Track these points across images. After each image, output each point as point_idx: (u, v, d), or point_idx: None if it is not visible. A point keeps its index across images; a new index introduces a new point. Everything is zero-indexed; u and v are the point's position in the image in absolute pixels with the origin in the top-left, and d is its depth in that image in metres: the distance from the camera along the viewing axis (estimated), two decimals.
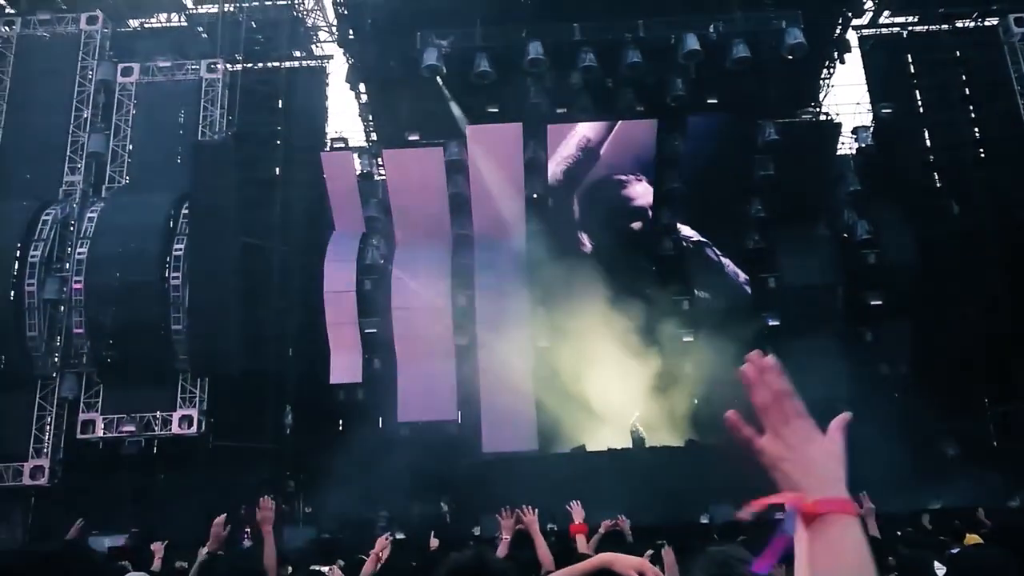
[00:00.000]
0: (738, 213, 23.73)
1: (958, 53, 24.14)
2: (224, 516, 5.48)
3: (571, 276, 22.46)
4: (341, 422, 23.45)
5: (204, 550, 5.32)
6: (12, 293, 21.28)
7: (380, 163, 24.57)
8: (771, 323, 22.86)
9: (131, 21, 25.61)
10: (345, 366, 23.05)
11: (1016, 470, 18.74)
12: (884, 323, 23.01)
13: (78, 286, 21.28)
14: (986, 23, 24.61)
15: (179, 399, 21.22)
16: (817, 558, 1.18)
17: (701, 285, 23.92)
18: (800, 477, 1.23)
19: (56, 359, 21.71)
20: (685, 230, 24.72)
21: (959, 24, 24.54)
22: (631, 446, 20.58)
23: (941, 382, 21.11)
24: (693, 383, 22.11)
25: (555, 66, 22.09)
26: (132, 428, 20.82)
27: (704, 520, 17.13)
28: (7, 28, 23.88)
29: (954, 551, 4.45)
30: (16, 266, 21.46)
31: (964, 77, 24.29)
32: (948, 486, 17.38)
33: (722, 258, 24.55)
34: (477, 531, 16.69)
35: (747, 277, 24.24)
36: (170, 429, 20.91)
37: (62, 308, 21.71)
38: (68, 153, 22.86)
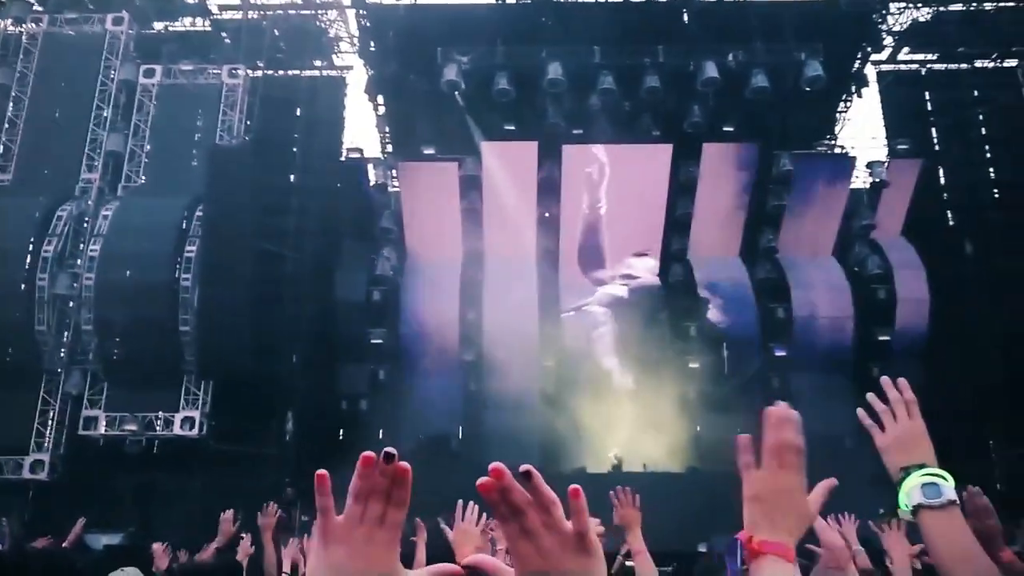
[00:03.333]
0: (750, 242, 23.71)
1: (976, 93, 24.18)
2: (232, 512, 5.54)
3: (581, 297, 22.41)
4: (342, 432, 23.39)
5: (213, 545, 5.38)
6: (23, 286, 21.38)
7: (395, 175, 24.68)
8: (778, 354, 22.75)
9: (156, 24, 25.83)
10: (351, 376, 23.06)
11: (1020, 516, 18.50)
12: (893, 360, 22.85)
13: (89, 283, 21.42)
14: (1005, 64, 24.66)
15: (182, 400, 21.25)
16: None
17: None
18: (764, 518, 1.36)
19: (63, 354, 21.77)
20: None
21: (978, 64, 24.57)
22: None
23: (948, 423, 20.88)
24: (696, 409, 22.00)
25: (574, 87, 22.20)
26: (134, 427, 20.82)
27: (702, 549, 16.94)
28: (34, 25, 24.14)
29: None
30: (29, 260, 21.56)
31: (981, 117, 24.27)
32: None
33: None
34: None
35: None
36: (172, 430, 20.91)
37: (72, 304, 21.80)
38: (86, 151, 23.01)
